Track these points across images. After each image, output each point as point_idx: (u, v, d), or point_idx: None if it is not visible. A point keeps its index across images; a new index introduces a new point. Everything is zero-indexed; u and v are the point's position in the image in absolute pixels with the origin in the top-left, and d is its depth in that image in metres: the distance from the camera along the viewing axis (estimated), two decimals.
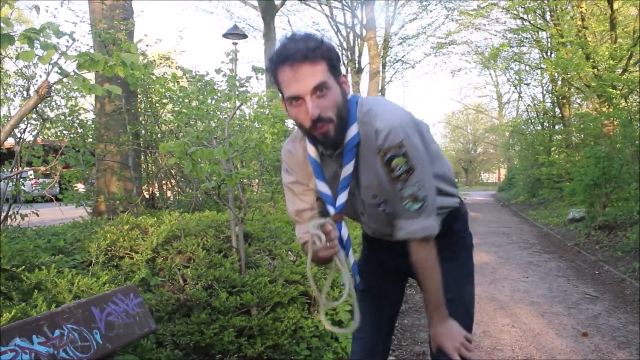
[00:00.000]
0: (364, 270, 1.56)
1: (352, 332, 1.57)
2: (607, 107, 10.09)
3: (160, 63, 5.73)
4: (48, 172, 2.84)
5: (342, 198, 1.31)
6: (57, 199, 3.29)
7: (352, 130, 1.24)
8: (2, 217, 3.40)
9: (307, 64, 1.14)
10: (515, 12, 13.37)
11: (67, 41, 1.97)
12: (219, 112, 4.22)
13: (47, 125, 4.60)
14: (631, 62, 10.18)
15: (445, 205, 1.42)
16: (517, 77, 17.07)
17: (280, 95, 1.24)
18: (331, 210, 1.33)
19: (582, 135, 13.09)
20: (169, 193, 6.03)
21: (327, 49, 1.18)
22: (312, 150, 1.32)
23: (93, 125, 5.11)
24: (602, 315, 3.82)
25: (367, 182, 1.29)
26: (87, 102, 5.80)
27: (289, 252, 3.28)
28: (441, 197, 1.37)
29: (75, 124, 4.85)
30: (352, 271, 1.39)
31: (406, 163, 1.19)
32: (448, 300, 1.35)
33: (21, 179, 4.12)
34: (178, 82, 4.60)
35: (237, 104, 3.92)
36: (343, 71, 1.34)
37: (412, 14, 18.18)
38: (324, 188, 1.33)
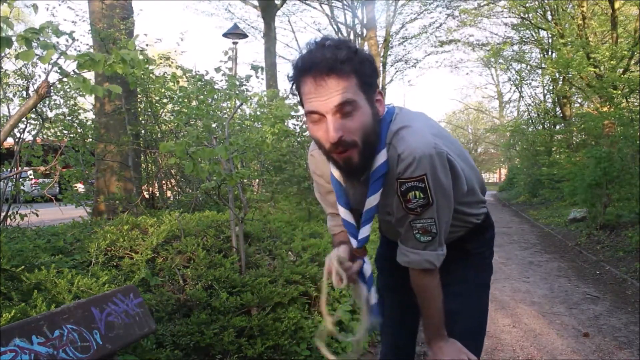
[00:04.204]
0: (380, 266, 1.54)
1: (380, 326, 1.54)
2: (607, 107, 10.08)
3: (161, 63, 5.72)
4: (48, 172, 2.84)
5: (365, 231, 1.20)
6: (57, 199, 3.28)
7: (381, 158, 1.10)
8: (1, 217, 3.40)
9: (333, 77, 0.99)
10: (516, 13, 13.38)
11: (67, 41, 1.97)
12: (219, 112, 4.21)
13: (47, 125, 4.60)
14: (632, 62, 10.17)
15: (460, 225, 1.33)
16: (518, 77, 17.08)
17: (301, 106, 1.08)
18: (353, 242, 1.24)
19: (584, 135, 13.09)
20: (169, 193, 6.03)
21: (361, 61, 1.03)
22: (336, 172, 1.19)
23: (93, 125, 5.11)
24: (603, 315, 3.81)
25: (386, 201, 1.18)
26: (87, 101, 5.81)
27: (289, 252, 3.27)
28: (462, 216, 1.29)
29: (75, 124, 4.86)
30: (373, 312, 1.27)
31: (424, 198, 1.07)
32: (453, 312, 1.27)
33: (21, 179, 4.11)
34: (178, 82, 4.59)
35: (237, 103, 3.91)
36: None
37: (412, 13, 18.20)
38: (346, 216, 1.21)
